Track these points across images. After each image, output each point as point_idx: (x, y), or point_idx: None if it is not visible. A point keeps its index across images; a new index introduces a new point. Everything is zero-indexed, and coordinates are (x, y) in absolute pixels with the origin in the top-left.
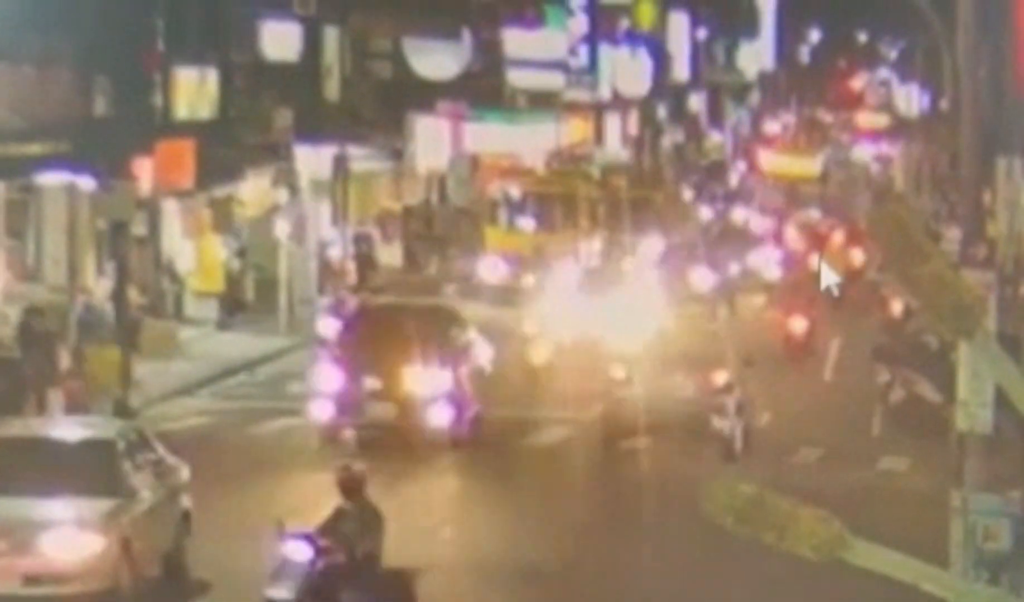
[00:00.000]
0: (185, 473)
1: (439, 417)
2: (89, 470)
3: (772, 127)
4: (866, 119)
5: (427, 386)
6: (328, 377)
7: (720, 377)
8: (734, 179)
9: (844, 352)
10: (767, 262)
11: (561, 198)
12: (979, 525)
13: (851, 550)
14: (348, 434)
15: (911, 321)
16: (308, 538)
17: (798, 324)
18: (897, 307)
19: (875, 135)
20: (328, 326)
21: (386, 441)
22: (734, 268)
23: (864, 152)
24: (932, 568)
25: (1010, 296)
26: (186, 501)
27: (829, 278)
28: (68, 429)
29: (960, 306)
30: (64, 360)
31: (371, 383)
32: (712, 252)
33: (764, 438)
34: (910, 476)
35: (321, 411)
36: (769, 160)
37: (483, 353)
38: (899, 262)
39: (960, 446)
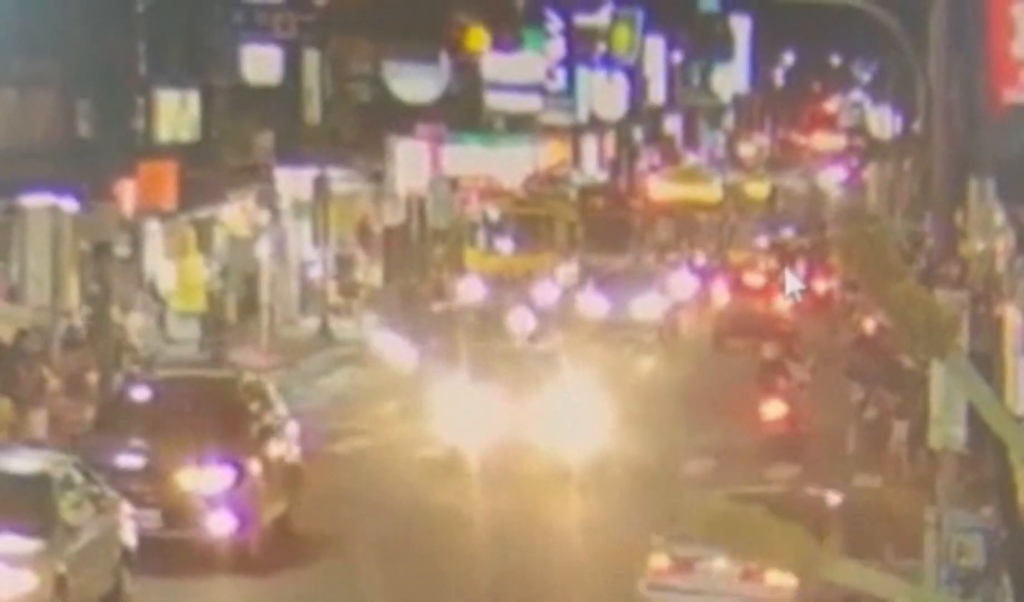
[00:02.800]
0: (126, 509)
1: (217, 526)
2: (23, 505)
3: (747, 149)
4: (824, 141)
5: (202, 487)
6: None
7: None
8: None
9: (818, 370)
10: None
11: (539, 219)
12: (953, 541)
13: (825, 565)
14: None
15: (884, 340)
16: None
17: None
18: (870, 325)
19: (838, 157)
20: None
21: (155, 556)
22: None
23: (830, 175)
24: (906, 583)
25: (982, 315)
26: (127, 538)
27: (793, 285)
28: (2, 462)
29: (933, 325)
30: (52, 382)
31: (131, 484)
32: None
33: (740, 454)
34: (883, 492)
35: None
36: (661, 188)
37: (294, 436)
38: (872, 282)
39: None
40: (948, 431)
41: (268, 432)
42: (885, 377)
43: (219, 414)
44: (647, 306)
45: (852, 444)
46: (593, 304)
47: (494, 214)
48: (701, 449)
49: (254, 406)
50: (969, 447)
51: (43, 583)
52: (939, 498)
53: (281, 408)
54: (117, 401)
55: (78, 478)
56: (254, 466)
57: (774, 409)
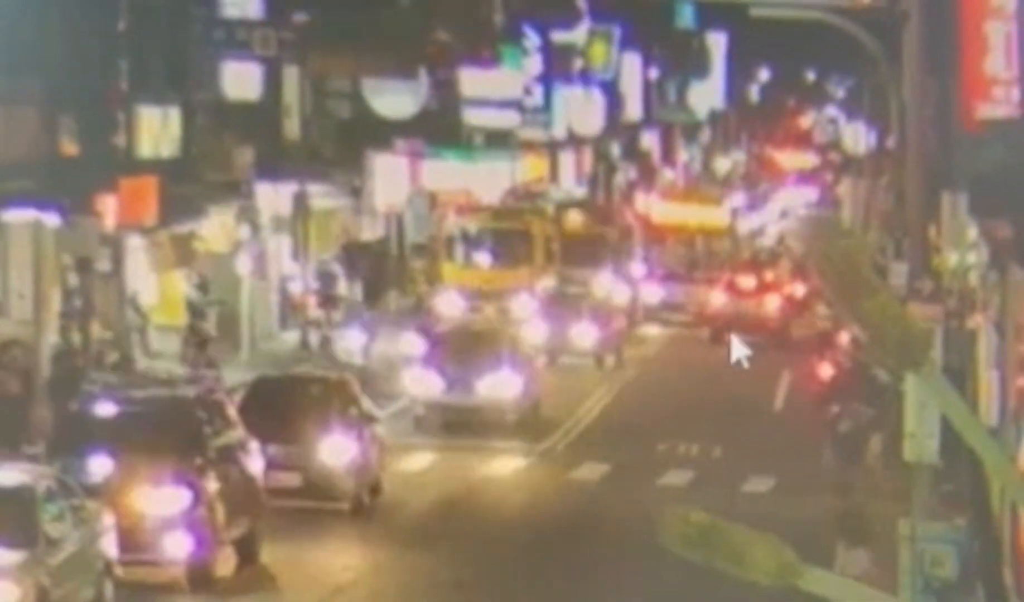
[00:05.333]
0: (108, 520)
1: (173, 547)
2: (5, 517)
3: (723, 164)
4: (791, 159)
5: (157, 508)
6: None
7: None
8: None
9: (793, 384)
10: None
11: (516, 234)
12: (926, 552)
13: (803, 577)
14: None
15: (859, 354)
16: None
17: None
18: (844, 339)
19: (808, 176)
20: None
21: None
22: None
23: (800, 194)
24: (882, 594)
25: (955, 329)
26: (109, 549)
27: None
28: None
29: (907, 339)
30: (40, 394)
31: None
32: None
33: (716, 468)
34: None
35: None
36: (664, 211)
37: (255, 459)
38: (847, 296)
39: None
40: (922, 444)
41: (227, 451)
42: (860, 391)
43: (175, 434)
44: (500, 383)
45: (827, 457)
46: (421, 381)
47: (472, 228)
48: (679, 460)
49: (212, 425)
50: (943, 459)
51: (25, 594)
52: (913, 510)
53: (241, 427)
54: (73, 420)
55: (60, 490)
56: (211, 486)
57: (825, 370)
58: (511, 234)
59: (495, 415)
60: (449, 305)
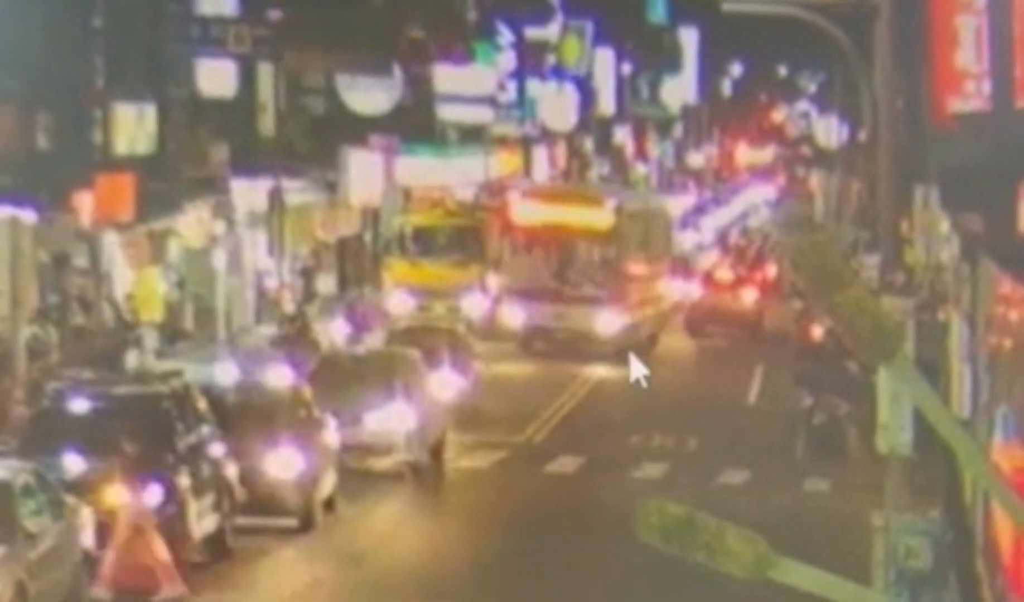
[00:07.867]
0: (85, 514)
1: None
2: None
3: (695, 159)
4: (749, 155)
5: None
6: None
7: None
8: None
9: (767, 377)
10: None
11: (466, 231)
12: (900, 544)
13: (777, 568)
14: None
15: (832, 346)
16: None
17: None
18: (818, 333)
19: (765, 172)
20: None
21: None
22: None
23: (755, 192)
24: (856, 586)
25: (928, 322)
26: (87, 543)
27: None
28: None
29: (880, 332)
30: (17, 393)
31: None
32: None
33: (691, 461)
34: (833, 497)
35: None
36: (528, 212)
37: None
38: (820, 289)
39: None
40: (895, 436)
41: (199, 448)
42: (834, 383)
43: (147, 430)
44: (391, 417)
45: (801, 450)
46: None
47: (421, 225)
48: (653, 452)
49: (184, 421)
50: (916, 452)
51: (3, 589)
52: (886, 502)
53: (209, 426)
54: (43, 417)
55: (38, 485)
56: (183, 483)
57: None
58: (461, 231)
59: (383, 453)
60: (398, 304)
